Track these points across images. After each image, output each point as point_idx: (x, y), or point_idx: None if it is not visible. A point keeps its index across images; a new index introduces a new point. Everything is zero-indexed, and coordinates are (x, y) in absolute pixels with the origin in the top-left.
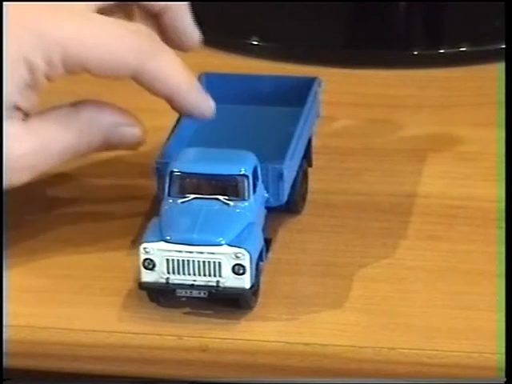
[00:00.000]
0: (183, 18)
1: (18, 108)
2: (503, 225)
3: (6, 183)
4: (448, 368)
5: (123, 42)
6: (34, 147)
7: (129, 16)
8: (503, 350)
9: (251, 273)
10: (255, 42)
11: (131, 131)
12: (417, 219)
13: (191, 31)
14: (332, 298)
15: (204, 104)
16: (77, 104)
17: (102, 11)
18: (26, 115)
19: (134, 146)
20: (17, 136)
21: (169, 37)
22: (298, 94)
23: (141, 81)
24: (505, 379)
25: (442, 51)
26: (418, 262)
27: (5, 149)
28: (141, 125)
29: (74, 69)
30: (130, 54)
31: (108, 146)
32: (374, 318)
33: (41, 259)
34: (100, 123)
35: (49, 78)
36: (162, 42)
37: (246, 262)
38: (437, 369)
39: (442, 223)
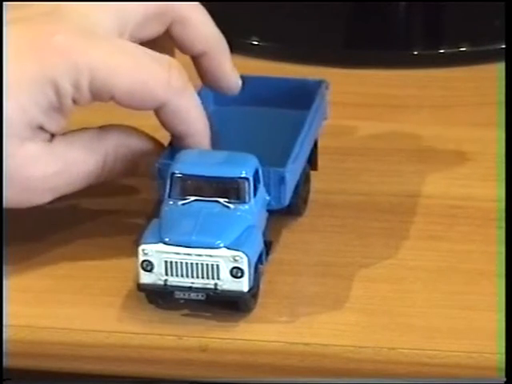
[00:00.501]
0: (222, 63)
1: (42, 129)
2: (503, 225)
3: (26, 203)
4: (448, 368)
5: (154, 74)
6: (57, 169)
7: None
8: (503, 350)
9: (249, 276)
10: (255, 42)
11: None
12: (417, 219)
13: (230, 77)
14: (332, 298)
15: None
16: (104, 128)
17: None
18: (53, 136)
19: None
20: (39, 157)
21: (207, 79)
22: (305, 96)
23: (160, 114)
24: (505, 379)
25: (442, 51)
26: (418, 262)
27: (26, 169)
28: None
29: (102, 95)
30: (160, 87)
31: (134, 173)
32: (373, 318)
33: (41, 259)
34: (127, 150)
35: (76, 102)
36: (188, 80)
37: (244, 266)
38: (437, 369)
39: (443, 223)
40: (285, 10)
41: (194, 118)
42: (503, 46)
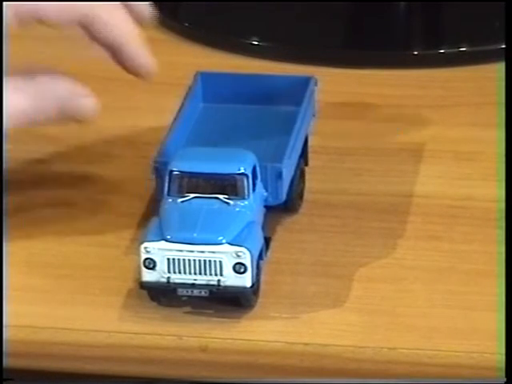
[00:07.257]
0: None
1: None
2: (503, 225)
3: None
4: (448, 368)
5: None
6: None
7: None
8: (503, 350)
9: (252, 271)
10: (255, 42)
11: (87, 102)
12: (417, 219)
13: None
14: (332, 298)
15: (146, 59)
16: (31, 68)
17: None
18: None
19: (89, 118)
20: None
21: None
22: (295, 93)
23: (88, 26)
24: (505, 379)
25: (442, 51)
26: (417, 261)
27: None
28: (95, 98)
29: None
30: None
31: (64, 115)
32: (374, 318)
33: (41, 259)
34: (55, 90)
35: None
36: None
37: (247, 261)
38: (437, 369)
39: (442, 223)
40: (284, 10)
41: (122, 28)
42: (503, 46)
